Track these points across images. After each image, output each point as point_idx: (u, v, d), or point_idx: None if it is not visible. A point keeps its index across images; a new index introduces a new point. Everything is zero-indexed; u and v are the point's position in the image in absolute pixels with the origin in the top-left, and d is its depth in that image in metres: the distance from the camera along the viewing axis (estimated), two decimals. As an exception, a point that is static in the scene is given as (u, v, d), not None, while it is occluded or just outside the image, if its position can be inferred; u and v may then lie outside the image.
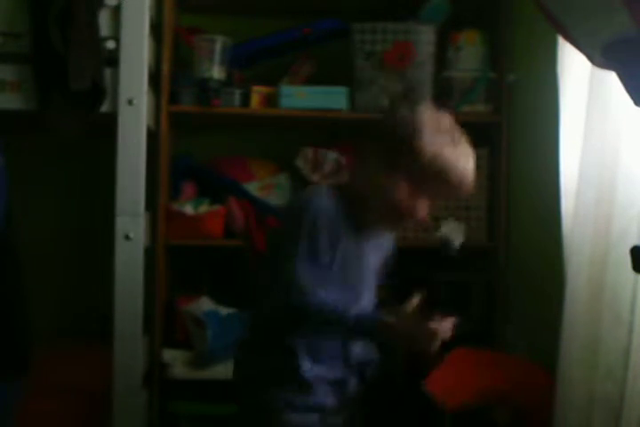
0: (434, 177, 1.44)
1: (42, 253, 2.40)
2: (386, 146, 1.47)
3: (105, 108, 2.05)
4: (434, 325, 1.39)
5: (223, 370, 2.20)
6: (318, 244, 1.42)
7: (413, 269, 2.53)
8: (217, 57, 2.29)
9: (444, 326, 1.40)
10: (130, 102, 2.04)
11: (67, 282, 2.54)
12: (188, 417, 2.27)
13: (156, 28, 2.23)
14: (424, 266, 2.51)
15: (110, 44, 2.05)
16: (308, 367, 1.48)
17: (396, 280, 2.51)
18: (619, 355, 1.54)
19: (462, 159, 1.47)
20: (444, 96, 2.39)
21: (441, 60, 2.39)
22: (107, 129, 2.06)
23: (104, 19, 2.05)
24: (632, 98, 1.12)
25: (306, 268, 1.40)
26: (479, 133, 2.47)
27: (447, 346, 2.09)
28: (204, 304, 2.31)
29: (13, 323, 1.57)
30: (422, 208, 1.48)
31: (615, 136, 1.59)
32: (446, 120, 1.49)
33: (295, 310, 1.42)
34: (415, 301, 1.48)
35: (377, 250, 1.58)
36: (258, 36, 2.46)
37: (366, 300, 1.54)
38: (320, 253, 1.42)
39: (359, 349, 1.55)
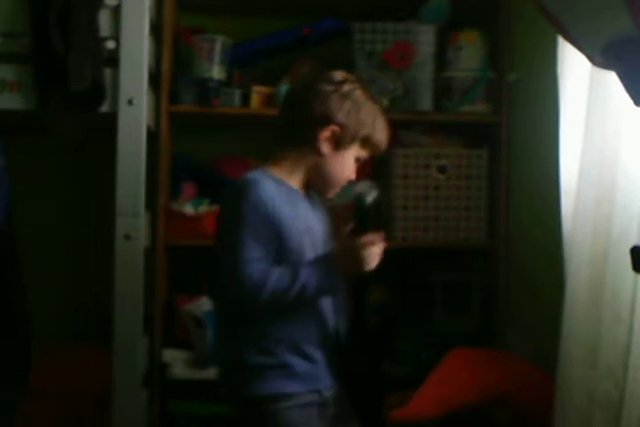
0: (370, 143, 1.59)
1: (42, 253, 2.41)
2: (333, 116, 1.55)
3: (105, 108, 2.05)
4: (366, 239, 1.48)
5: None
6: (259, 230, 1.45)
7: (413, 269, 2.54)
8: (217, 57, 2.29)
9: (375, 238, 1.49)
10: (130, 102, 2.04)
11: (67, 282, 2.54)
12: (188, 417, 2.27)
13: (156, 28, 2.23)
14: (424, 266, 2.52)
15: (110, 44, 2.05)
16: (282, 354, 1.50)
17: (397, 280, 2.52)
18: (619, 355, 1.54)
19: (383, 119, 1.60)
20: (444, 96, 2.39)
21: (441, 60, 2.39)
22: (107, 129, 2.06)
23: (104, 19, 2.05)
24: (632, 98, 1.12)
25: (248, 254, 1.43)
26: (479, 133, 2.49)
27: (447, 346, 2.11)
28: (204, 304, 2.31)
29: (13, 323, 1.58)
30: (352, 170, 1.60)
31: (615, 136, 1.59)
32: (344, 77, 1.59)
33: (243, 295, 1.43)
34: (346, 228, 1.58)
35: (319, 218, 1.63)
36: (258, 36, 2.46)
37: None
38: (262, 238, 1.45)
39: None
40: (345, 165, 1.58)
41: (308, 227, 1.54)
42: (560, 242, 1.79)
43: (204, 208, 2.34)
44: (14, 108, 2.04)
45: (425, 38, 2.34)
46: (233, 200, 1.49)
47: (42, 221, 2.49)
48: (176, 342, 2.31)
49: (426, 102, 2.35)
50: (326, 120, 1.54)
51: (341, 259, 1.48)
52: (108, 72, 2.05)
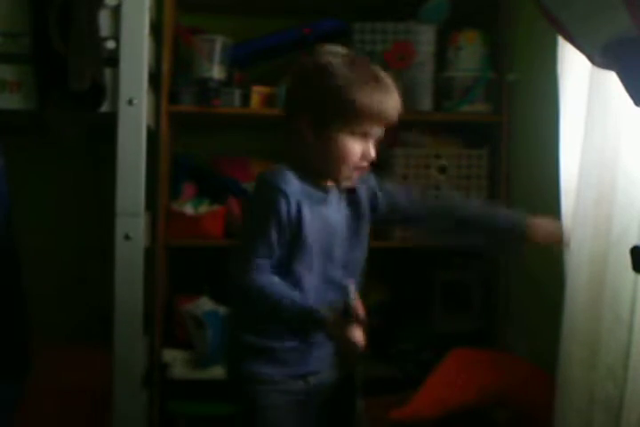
0: (354, 115, 1.47)
1: (42, 253, 2.41)
2: (303, 102, 1.52)
3: (105, 108, 2.05)
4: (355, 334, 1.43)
5: (223, 370, 2.21)
6: (271, 225, 1.46)
7: (413, 269, 2.54)
8: (217, 57, 2.30)
9: (355, 334, 1.44)
10: (130, 102, 2.04)
11: (67, 282, 2.54)
12: (188, 417, 2.27)
13: (156, 28, 2.23)
14: (424, 266, 2.52)
15: (110, 44, 2.05)
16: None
17: (397, 280, 2.52)
18: (619, 355, 1.54)
19: (382, 93, 1.50)
20: (444, 96, 2.39)
21: (441, 60, 2.39)
22: (107, 129, 2.06)
23: (104, 19, 2.05)
24: (632, 98, 1.12)
25: (258, 247, 1.46)
26: (479, 133, 2.49)
27: (447, 346, 2.11)
28: (204, 304, 2.31)
29: (14, 323, 1.58)
30: (367, 151, 1.52)
31: (615, 136, 1.59)
32: (353, 59, 1.53)
33: (240, 290, 1.49)
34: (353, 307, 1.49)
35: (351, 205, 1.60)
36: (258, 36, 2.46)
37: (341, 256, 1.56)
38: (275, 233, 1.46)
39: None
40: (343, 146, 1.50)
41: (325, 226, 1.53)
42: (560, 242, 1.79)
43: (204, 208, 2.34)
44: (14, 108, 2.04)
45: (425, 38, 2.34)
46: (255, 194, 1.54)
47: (42, 221, 2.49)
48: (176, 342, 2.31)
49: (426, 102, 2.35)
50: (296, 111, 1.53)
51: (329, 328, 1.46)
52: (108, 72, 2.05)
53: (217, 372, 2.20)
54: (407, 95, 2.32)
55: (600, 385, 1.57)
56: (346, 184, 1.58)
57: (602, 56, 1.12)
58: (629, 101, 1.13)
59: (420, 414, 1.90)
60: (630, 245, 1.24)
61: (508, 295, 2.37)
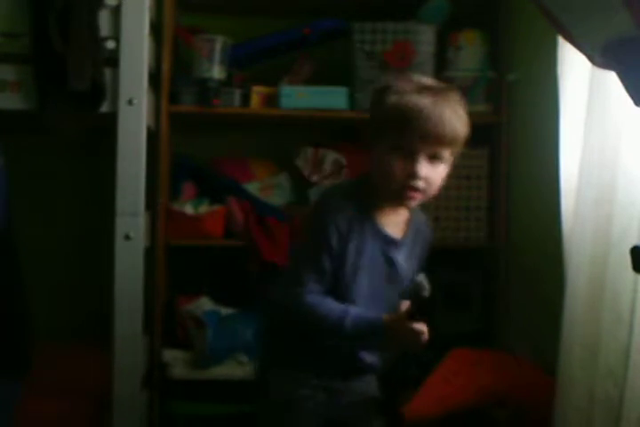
0: (402, 126, 1.43)
1: (42, 253, 2.40)
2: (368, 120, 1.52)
3: (105, 108, 2.05)
4: (419, 326, 1.45)
5: (223, 370, 2.21)
6: (324, 244, 1.46)
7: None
8: (217, 57, 2.29)
9: (423, 328, 1.46)
10: (130, 102, 2.04)
11: (67, 282, 2.54)
12: (188, 417, 2.27)
13: (156, 28, 2.23)
14: (424, 266, 2.51)
15: (110, 44, 2.05)
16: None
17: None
18: (619, 355, 1.54)
19: (428, 103, 1.44)
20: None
21: (441, 60, 2.39)
22: (107, 129, 2.06)
23: (104, 19, 2.05)
24: (632, 98, 1.12)
25: (308, 265, 1.47)
26: (479, 133, 2.48)
27: (447, 346, 2.11)
28: (204, 304, 2.31)
29: (14, 323, 1.58)
30: (417, 169, 1.45)
31: (615, 136, 1.59)
32: (418, 79, 1.52)
33: (288, 308, 1.50)
34: (405, 308, 1.53)
35: (410, 244, 1.59)
36: (258, 36, 2.46)
37: (386, 293, 1.56)
38: (327, 252, 1.47)
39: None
40: (382, 161, 1.47)
41: (370, 259, 1.52)
42: (560, 242, 1.79)
43: (204, 208, 2.34)
44: (14, 108, 2.04)
45: (425, 38, 2.34)
46: (311, 215, 1.55)
47: (42, 221, 2.49)
48: (176, 342, 2.31)
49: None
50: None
51: (388, 331, 1.47)
52: (108, 72, 2.05)
53: (217, 372, 2.21)
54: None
55: (600, 385, 1.57)
56: (405, 204, 1.53)
57: (602, 56, 1.12)
58: (629, 101, 1.13)
59: (421, 413, 1.90)
60: (630, 246, 1.24)
61: (507, 295, 2.37)
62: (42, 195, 2.51)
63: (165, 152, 2.30)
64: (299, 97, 2.31)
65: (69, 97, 2.00)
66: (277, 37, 2.46)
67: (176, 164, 2.46)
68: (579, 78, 1.74)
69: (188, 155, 2.51)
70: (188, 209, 2.32)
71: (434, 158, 1.47)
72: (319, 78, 2.40)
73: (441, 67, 2.39)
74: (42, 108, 2.02)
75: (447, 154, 1.48)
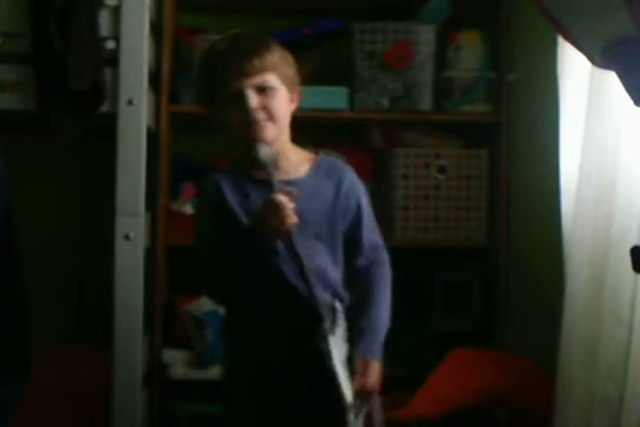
0: (214, 70, 1.55)
1: (42, 254, 2.40)
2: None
3: (105, 108, 2.05)
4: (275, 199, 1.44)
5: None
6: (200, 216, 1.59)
7: (413, 269, 2.53)
8: (217, 57, 2.29)
9: (283, 199, 1.44)
10: (130, 102, 2.04)
11: (67, 282, 2.54)
12: (188, 417, 2.27)
13: (156, 28, 2.23)
14: (424, 266, 2.52)
15: (110, 44, 2.05)
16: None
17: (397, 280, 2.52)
18: (619, 355, 1.54)
19: (227, 42, 1.55)
20: (443, 96, 2.39)
21: (441, 60, 2.39)
22: (107, 129, 2.06)
23: (104, 19, 2.05)
24: (632, 98, 1.12)
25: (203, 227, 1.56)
26: (479, 133, 2.49)
27: (447, 346, 2.11)
28: (204, 304, 2.30)
29: (14, 323, 1.57)
30: (248, 103, 1.50)
31: (615, 136, 1.59)
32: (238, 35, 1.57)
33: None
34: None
35: (314, 184, 1.58)
36: (258, 36, 2.46)
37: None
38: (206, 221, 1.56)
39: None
40: (225, 119, 1.56)
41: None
42: (560, 242, 1.79)
43: (204, 208, 2.34)
44: (14, 108, 2.04)
45: (425, 38, 2.34)
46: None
47: (42, 221, 2.48)
48: (176, 342, 2.30)
49: (426, 102, 2.35)
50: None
51: (257, 215, 1.47)
52: (108, 72, 2.05)
53: (217, 372, 2.20)
54: (407, 95, 2.35)
55: (600, 385, 1.57)
56: (259, 137, 1.53)
57: (602, 56, 1.12)
58: (629, 101, 1.13)
59: (421, 413, 1.90)
60: (630, 245, 1.24)
61: (507, 295, 2.37)
62: (42, 195, 2.51)
63: (165, 152, 2.30)
64: (299, 97, 2.31)
65: (69, 97, 2.00)
66: (277, 37, 2.45)
67: (176, 164, 2.46)
68: (579, 78, 1.74)
69: (187, 155, 2.51)
70: (188, 209, 2.32)
71: (263, 91, 1.52)
72: (319, 78, 2.40)
73: (441, 67, 2.39)
74: (42, 108, 2.02)
75: (275, 81, 1.53)
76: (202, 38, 2.31)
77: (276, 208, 1.42)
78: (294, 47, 2.46)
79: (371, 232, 1.61)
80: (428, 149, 2.40)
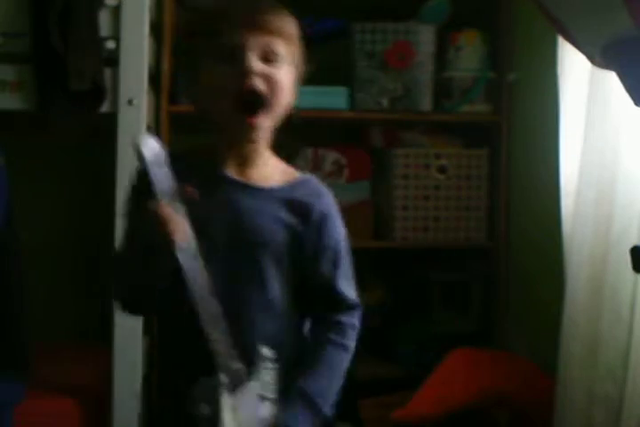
0: (220, 20, 1.21)
1: (42, 254, 2.40)
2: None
3: (105, 108, 2.05)
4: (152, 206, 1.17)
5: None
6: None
7: (413, 268, 2.54)
8: (217, 57, 2.29)
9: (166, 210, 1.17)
10: (130, 102, 2.04)
11: (67, 282, 2.54)
12: (188, 417, 2.26)
13: (156, 28, 2.23)
14: (424, 266, 2.52)
15: (110, 44, 2.05)
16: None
17: (397, 280, 2.52)
18: (619, 355, 1.54)
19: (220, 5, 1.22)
20: (443, 96, 2.39)
21: (441, 60, 2.39)
22: (107, 129, 2.06)
23: (104, 19, 2.05)
24: (632, 98, 1.12)
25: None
26: (479, 133, 2.49)
27: (447, 346, 2.11)
28: (204, 304, 2.30)
29: (13, 323, 1.58)
30: (248, 63, 1.20)
31: (615, 136, 1.59)
32: None
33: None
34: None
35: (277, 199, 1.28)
36: (258, 36, 2.46)
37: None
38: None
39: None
40: (207, 79, 1.27)
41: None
42: (560, 242, 1.79)
43: (204, 208, 2.34)
44: (14, 108, 2.04)
45: (425, 38, 2.34)
46: None
47: (41, 221, 2.48)
48: (176, 342, 2.30)
49: (426, 102, 2.35)
50: None
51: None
52: (107, 72, 2.05)
53: (217, 372, 2.20)
54: (407, 95, 2.35)
55: (600, 385, 1.57)
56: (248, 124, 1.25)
57: (602, 56, 1.12)
58: (629, 101, 1.13)
59: (421, 413, 1.91)
60: (630, 245, 1.24)
61: (507, 295, 2.37)
62: (41, 195, 2.50)
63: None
64: (299, 97, 2.31)
65: (69, 97, 2.00)
66: (277, 37, 2.46)
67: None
68: (579, 78, 1.74)
69: (187, 155, 2.50)
70: (188, 209, 2.32)
71: (268, 59, 1.22)
72: (319, 78, 2.39)
73: (441, 67, 2.39)
74: (42, 108, 2.02)
75: (283, 52, 1.23)
76: (202, 38, 2.31)
77: (156, 218, 1.14)
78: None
79: (347, 285, 1.27)
80: (427, 149, 2.40)
